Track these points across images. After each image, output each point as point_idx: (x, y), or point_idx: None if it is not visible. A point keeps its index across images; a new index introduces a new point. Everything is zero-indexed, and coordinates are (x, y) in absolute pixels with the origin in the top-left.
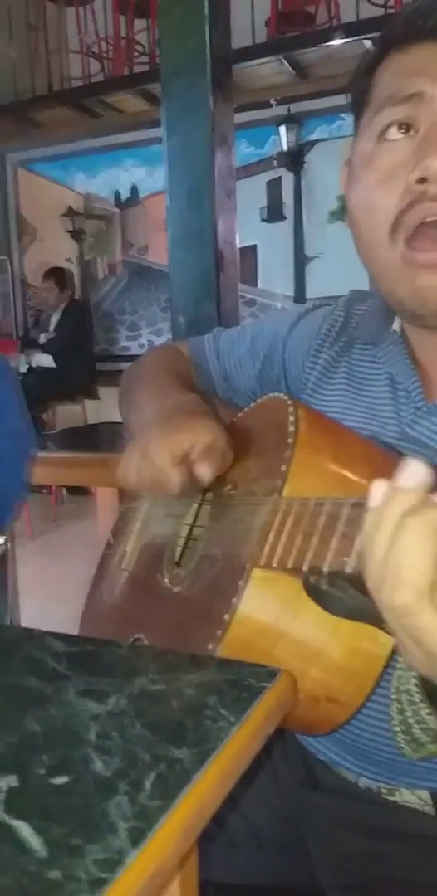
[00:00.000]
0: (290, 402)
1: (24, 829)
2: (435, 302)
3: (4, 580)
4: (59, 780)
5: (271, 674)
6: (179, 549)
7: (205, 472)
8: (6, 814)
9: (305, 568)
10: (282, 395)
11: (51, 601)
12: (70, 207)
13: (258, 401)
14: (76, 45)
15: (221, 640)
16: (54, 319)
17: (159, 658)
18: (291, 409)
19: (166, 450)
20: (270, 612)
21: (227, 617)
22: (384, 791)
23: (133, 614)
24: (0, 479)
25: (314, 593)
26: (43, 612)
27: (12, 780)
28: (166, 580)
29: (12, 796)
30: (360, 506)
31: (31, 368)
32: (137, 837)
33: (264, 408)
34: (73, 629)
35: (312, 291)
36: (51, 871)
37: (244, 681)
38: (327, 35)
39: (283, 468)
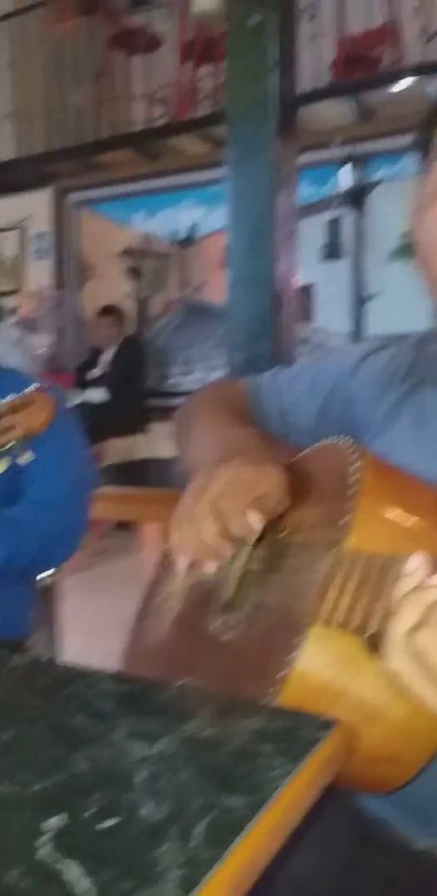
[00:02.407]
0: (353, 448)
1: (72, 871)
2: None
3: (49, 613)
4: (109, 822)
5: (326, 724)
6: (230, 593)
7: (256, 520)
8: (54, 854)
9: (371, 630)
10: (345, 440)
11: (92, 636)
12: (128, 246)
13: (319, 443)
14: (141, 90)
15: (275, 697)
16: (109, 355)
17: (210, 702)
18: (354, 456)
19: (217, 519)
20: (328, 671)
21: (282, 675)
22: None
23: (180, 657)
24: (64, 514)
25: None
26: (84, 647)
27: (62, 820)
28: (216, 625)
29: (62, 836)
30: None
31: (83, 403)
32: (187, 886)
33: (325, 452)
34: (115, 665)
35: (371, 330)
36: None
37: (299, 730)
38: (392, 77)
39: (345, 519)
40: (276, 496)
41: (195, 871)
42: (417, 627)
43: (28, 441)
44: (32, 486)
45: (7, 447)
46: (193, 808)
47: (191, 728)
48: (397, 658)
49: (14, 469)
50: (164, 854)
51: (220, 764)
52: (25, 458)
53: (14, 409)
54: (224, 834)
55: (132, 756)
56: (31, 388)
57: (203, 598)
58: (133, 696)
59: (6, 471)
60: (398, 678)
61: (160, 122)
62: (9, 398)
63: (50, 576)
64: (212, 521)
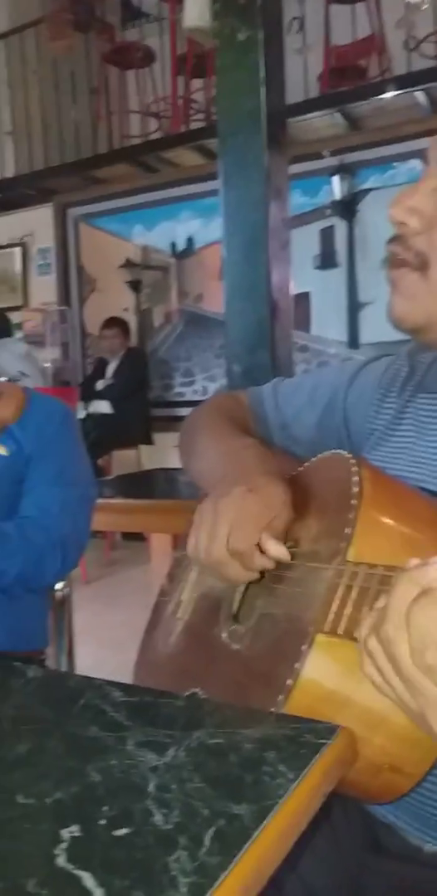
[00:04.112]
0: (353, 460)
1: (87, 880)
2: None
3: (62, 625)
4: (121, 831)
5: (330, 730)
6: (236, 603)
7: (280, 550)
8: (70, 863)
9: None
10: (344, 452)
11: (105, 648)
12: (128, 259)
13: (320, 456)
14: (136, 105)
15: (282, 705)
16: (112, 367)
17: (218, 711)
18: (354, 468)
19: (229, 544)
20: (333, 679)
21: (289, 682)
22: None
23: (189, 667)
24: (65, 526)
25: None
26: (97, 659)
27: (75, 830)
28: (224, 635)
29: (75, 846)
30: None
31: (89, 415)
32: (198, 894)
33: (325, 464)
34: (127, 676)
35: (365, 337)
36: None
37: (303, 737)
38: (379, 88)
39: (347, 530)
40: (282, 519)
41: (205, 878)
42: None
43: (2, 432)
44: (25, 501)
45: None
46: (201, 817)
47: (199, 737)
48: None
49: (12, 481)
50: (175, 862)
51: (227, 772)
52: (0, 451)
53: None
54: (232, 841)
55: (143, 766)
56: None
57: (211, 608)
58: (143, 706)
59: None
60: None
61: (155, 136)
62: None
63: (62, 588)
64: (232, 563)
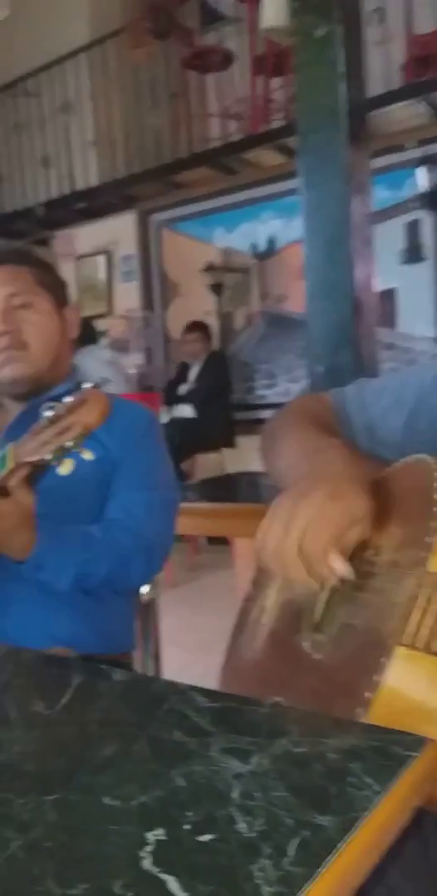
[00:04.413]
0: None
1: (171, 884)
2: None
3: (149, 629)
4: (205, 837)
5: (418, 742)
6: (319, 612)
7: (339, 566)
8: (155, 866)
9: None
10: (429, 458)
11: (190, 651)
12: (210, 263)
13: (404, 461)
14: (215, 108)
15: (361, 717)
16: (195, 371)
17: (302, 720)
18: None
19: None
20: (416, 691)
21: (368, 695)
22: None
23: (272, 675)
24: (150, 529)
25: None
26: (183, 663)
27: (160, 834)
28: (306, 644)
29: (160, 850)
30: None
31: (172, 420)
32: None
33: (409, 470)
34: (213, 680)
35: None
36: None
37: (390, 748)
38: None
39: (428, 539)
40: (360, 529)
41: (289, 888)
42: None
43: (86, 438)
44: (111, 504)
45: (68, 446)
46: (285, 826)
47: (283, 746)
48: None
49: (98, 484)
50: (258, 871)
51: (311, 782)
52: (86, 455)
53: (70, 410)
54: (317, 853)
55: (227, 772)
56: (84, 387)
57: (295, 615)
58: (227, 712)
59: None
60: None
61: (235, 137)
62: (65, 400)
63: (149, 592)
64: (298, 565)
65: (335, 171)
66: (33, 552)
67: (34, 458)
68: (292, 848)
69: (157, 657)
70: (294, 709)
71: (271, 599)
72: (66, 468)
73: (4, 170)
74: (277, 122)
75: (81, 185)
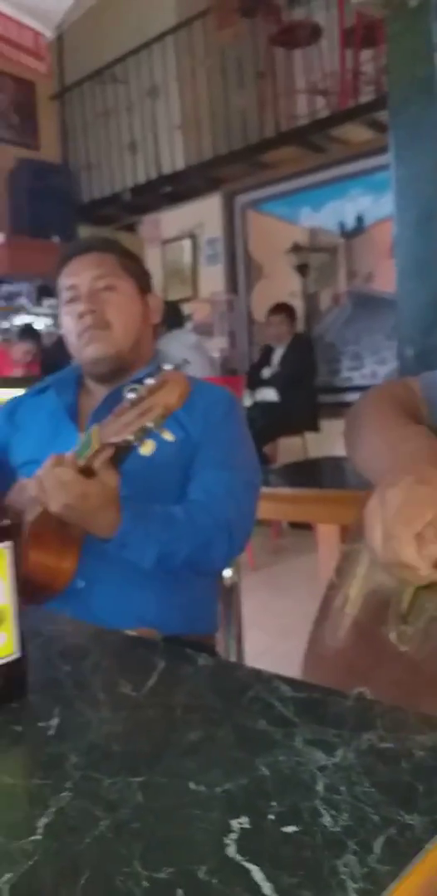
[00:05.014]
0: None
1: (256, 873)
2: None
3: (232, 611)
4: (289, 828)
5: None
6: (406, 603)
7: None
8: (239, 854)
9: None
10: None
11: (272, 635)
12: (296, 243)
13: None
14: (303, 84)
15: None
16: (279, 354)
17: (388, 714)
18: None
19: (410, 535)
20: None
21: None
22: None
23: (357, 665)
24: (230, 510)
25: None
26: (265, 646)
27: (244, 822)
28: (392, 635)
29: (245, 838)
30: None
31: (255, 403)
32: None
33: None
34: (294, 664)
35: None
36: None
37: None
38: None
39: None
40: None
41: (375, 885)
42: None
43: (166, 419)
44: (192, 485)
45: (149, 427)
46: (371, 822)
47: (369, 740)
48: None
49: (180, 466)
50: (344, 866)
51: (398, 779)
52: (167, 436)
53: (151, 391)
54: (403, 852)
55: (311, 764)
56: (165, 370)
57: (381, 606)
58: (311, 703)
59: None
60: None
61: (323, 114)
62: (146, 382)
63: (231, 575)
64: (411, 541)
65: (428, 146)
66: (118, 531)
67: (117, 439)
68: (378, 845)
69: (239, 640)
70: (379, 703)
71: (356, 588)
72: (147, 449)
73: (93, 157)
74: (366, 97)
75: (167, 168)
